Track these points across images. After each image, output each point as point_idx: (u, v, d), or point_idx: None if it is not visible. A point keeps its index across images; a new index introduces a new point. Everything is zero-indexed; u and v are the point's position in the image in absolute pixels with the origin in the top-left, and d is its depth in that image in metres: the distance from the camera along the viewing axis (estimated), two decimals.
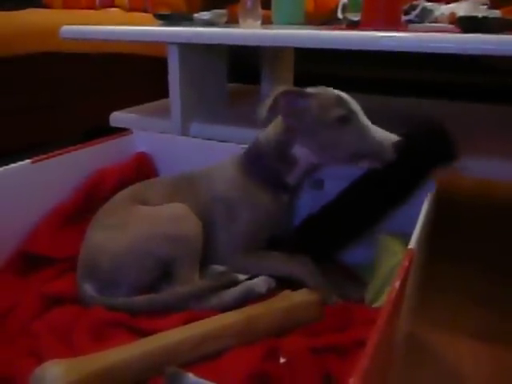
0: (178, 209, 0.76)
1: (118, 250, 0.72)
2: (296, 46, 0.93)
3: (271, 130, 0.80)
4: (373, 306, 0.71)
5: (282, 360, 0.56)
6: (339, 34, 0.85)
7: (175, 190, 0.82)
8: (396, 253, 0.73)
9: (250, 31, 0.96)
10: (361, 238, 0.80)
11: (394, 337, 0.52)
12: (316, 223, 0.81)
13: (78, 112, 1.67)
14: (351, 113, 0.73)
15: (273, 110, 0.73)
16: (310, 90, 0.76)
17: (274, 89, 0.73)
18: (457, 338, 0.82)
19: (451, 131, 0.76)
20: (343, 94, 0.75)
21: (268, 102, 0.72)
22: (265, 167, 0.79)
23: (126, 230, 0.73)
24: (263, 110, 0.72)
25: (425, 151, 0.76)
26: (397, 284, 0.47)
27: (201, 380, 0.32)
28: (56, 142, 1.07)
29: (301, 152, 0.77)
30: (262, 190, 0.79)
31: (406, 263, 0.51)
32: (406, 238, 0.73)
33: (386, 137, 0.72)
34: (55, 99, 1.60)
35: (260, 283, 0.71)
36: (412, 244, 0.55)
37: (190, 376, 0.33)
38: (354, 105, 0.75)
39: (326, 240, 0.81)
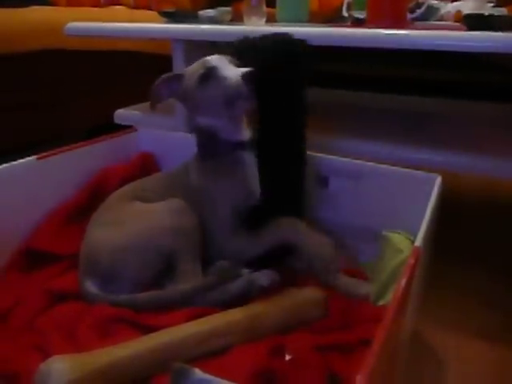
0: (174, 203, 0.76)
1: (116, 244, 0.72)
2: None
3: None
4: (378, 303, 0.71)
5: (287, 357, 0.56)
6: (345, 31, 0.85)
7: (168, 186, 0.83)
8: (401, 250, 0.73)
9: (254, 28, 0.96)
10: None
11: (399, 335, 0.52)
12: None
13: (83, 109, 1.67)
14: (210, 69, 0.75)
15: (158, 98, 0.80)
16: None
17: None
18: (461, 337, 0.81)
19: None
20: (208, 57, 0.78)
21: (151, 93, 0.79)
22: (201, 145, 0.82)
23: (124, 225, 0.74)
24: (150, 101, 0.80)
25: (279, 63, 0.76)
26: (403, 282, 0.47)
27: (207, 375, 0.32)
28: (60, 139, 1.07)
29: (200, 121, 0.80)
30: (217, 164, 0.80)
31: (413, 261, 0.51)
32: (410, 235, 0.74)
33: (236, 73, 0.73)
34: (59, 96, 1.60)
35: (262, 276, 0.71)
36: (418, 241, 0.55)
37: (197, 371, 0.33)
38: (217, 60, 0.76)
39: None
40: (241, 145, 0.79)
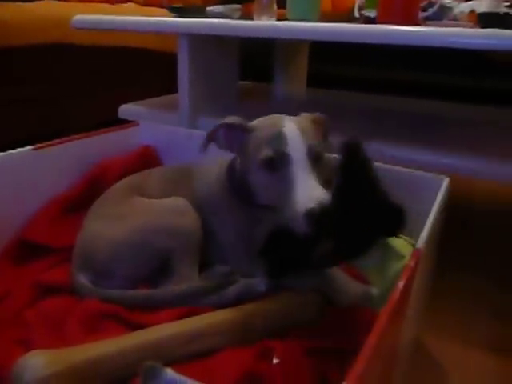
0: (178, 202, 0.74)
1: (114, 239, 0.70)
2: (304, 38, 0.90)
3: None
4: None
5: (274, 361, 0.53)
6: (354, 27, 0.82)
7: (170, 182, 0.80)
8: (403, 256, 0.70)
9: (261, 23, 0.94)
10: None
11: (397, 340, 0.49)
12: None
13: (89, 105, 1.66)
14: (282, 156, 0.61)
15: (212, 140, 0.68)
16: (256, 122, 0.68)
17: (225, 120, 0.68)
18: (464, 346, 0.79)
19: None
20: (287, 131, 0.62)
21: (209, 132, 0.68)
22: (235, 183, 0.73)
23: (123, 220, 0.72)
24: (204, 140, 0.68)
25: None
26: (401, 284, 0.44)
27: (179, 376, 0.30)
28: (66, 134, 1.06)
29: (249, 178, 0.68)
30: (236, 203, 0.73)
31: (412, 263, 0.48)
32: (413, 239, 0.70)
33: (305, 201, 0.57)
34: (66, 91, 1.60)
35: (260, 282, 0.69)
36: (420, 243, 0.52)
37: (168, 371, 0.30)
38: (295, 146, 0.61)
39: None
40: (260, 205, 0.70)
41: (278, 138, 0.62)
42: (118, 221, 0.72)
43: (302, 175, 0.59)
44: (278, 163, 0.61)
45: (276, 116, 0.68)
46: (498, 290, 0.95)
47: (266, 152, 0.61)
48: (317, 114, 0.72)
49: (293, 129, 0.63)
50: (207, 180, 0.78)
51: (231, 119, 0.67)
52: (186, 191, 0.78)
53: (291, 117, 0.67)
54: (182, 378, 0.30)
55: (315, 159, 0.62)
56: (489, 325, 0.84)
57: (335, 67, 1.78)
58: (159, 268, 0.71)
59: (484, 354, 0.77)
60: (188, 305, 0.66)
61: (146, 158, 0.98)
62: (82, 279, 0.69)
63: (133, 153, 0.97)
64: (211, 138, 0.68)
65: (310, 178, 0.59)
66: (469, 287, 0.95)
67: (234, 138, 0.68)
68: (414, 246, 0.70)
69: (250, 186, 0.68)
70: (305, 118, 0.69)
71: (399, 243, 0.72)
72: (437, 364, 0.75)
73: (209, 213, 0.75)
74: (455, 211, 0.75)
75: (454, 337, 0.81)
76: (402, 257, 0.69)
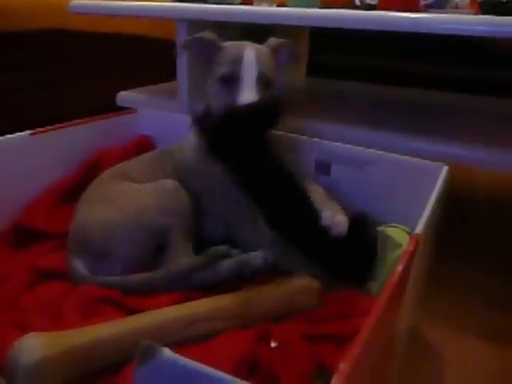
0: (166, 182, 0.75)
1: (107, 220, 0.70)
2: (305, 24, 0.89)
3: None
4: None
5: (272, 344, 0.53)
6: (355, 12, 0.81)
7: (153, 165, 0.82)
8: (400, 245, 0.70)
9: (262, 9, 0.93)
10: None
11: (394, 326, 0.49)
12: None
13: (88, 91, 1.65)
14: (235, 74, 0.73)
15: (187, 48, 0.80)
16: (227, 44, 0.78)
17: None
18: (461, 334, 0.79)
19: None
20: (245, 56, 0.74)
21: (186, 41, 0.79)
22: (206, 124, 0.76)
23: (114, 202, 0.72)
24: (182, 46, 0.80)
25: None
26: (399, 269, 0.44)
27: (176, 356, 0.29)
28: (63, 120, 1.06)
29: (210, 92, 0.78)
30: (213, 161, 0.74)
31: (411, 248, 0.47)
32: (410, 228, 0.70)
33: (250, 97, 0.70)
34: (64, 77, 1.58)
35: (256, 256, 0.68)
36: (418, 229, 0.51)
37: (166, 350, 0.30)
38: (248, 68, 0.73)
39: None
40: None
41: (236, 59, 0.74)
42: (110, 204, 0.72)
43: (247, 90, 0.72)
44: (231, 79, 0.74)
45: (244, 43, 0.78)
46: (494, 279, 0.95)
47: (225, 69, 0.74)
48: (280, 42, 0.82)
49: (251, 54, 0.74)
50: (184, 152, 0.81)
51: (209, 35, 0.77)
52: (169, 171, 0.79)
53: (257, 45, 0.78)
54: (180, 358, 0.30)
55: (264, 83, 0.74)
56: (485, 313, 0.84)
57: (335, 56, 1.77)
58: (155, 250, 0.70)
59: (480, 342, 0.77)
60: (184, 284, 0.66)
61: (143, 148, 0.97)
62: (78, 266, 0.69)
63: (130, 142, 0.97)
64: (187, 46, 0.80)
65: (252, 93, 0.72)
66: (465, 276, 0.95)
67: (207, 51, 0.78)
68: (410, 234, 0.70)
69: (210, 98, 0.78)
70: (267, 46, 0.80)
71: (395, 232, 0.72)
72: (433, 352, 0.75)
73: (195, 185, 0.77)
74: (454, 201, 0.75)
75: (451, 325, 0.81)
76: (400, 245, 0.69)
